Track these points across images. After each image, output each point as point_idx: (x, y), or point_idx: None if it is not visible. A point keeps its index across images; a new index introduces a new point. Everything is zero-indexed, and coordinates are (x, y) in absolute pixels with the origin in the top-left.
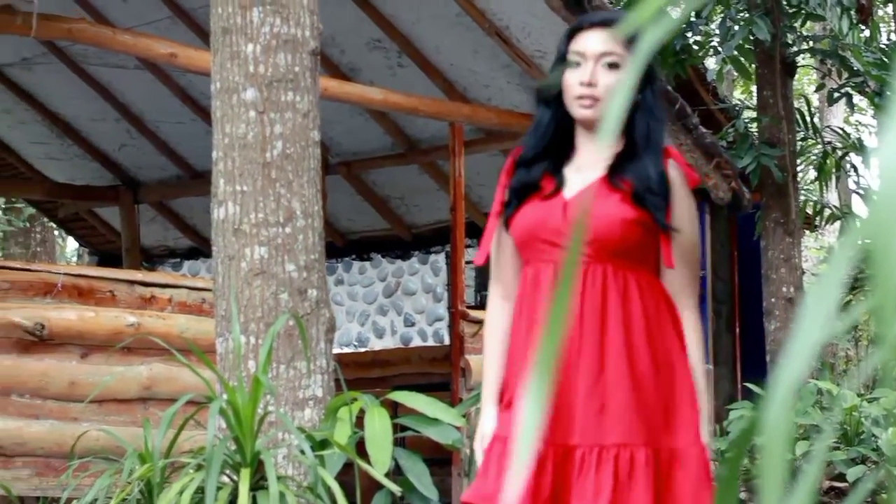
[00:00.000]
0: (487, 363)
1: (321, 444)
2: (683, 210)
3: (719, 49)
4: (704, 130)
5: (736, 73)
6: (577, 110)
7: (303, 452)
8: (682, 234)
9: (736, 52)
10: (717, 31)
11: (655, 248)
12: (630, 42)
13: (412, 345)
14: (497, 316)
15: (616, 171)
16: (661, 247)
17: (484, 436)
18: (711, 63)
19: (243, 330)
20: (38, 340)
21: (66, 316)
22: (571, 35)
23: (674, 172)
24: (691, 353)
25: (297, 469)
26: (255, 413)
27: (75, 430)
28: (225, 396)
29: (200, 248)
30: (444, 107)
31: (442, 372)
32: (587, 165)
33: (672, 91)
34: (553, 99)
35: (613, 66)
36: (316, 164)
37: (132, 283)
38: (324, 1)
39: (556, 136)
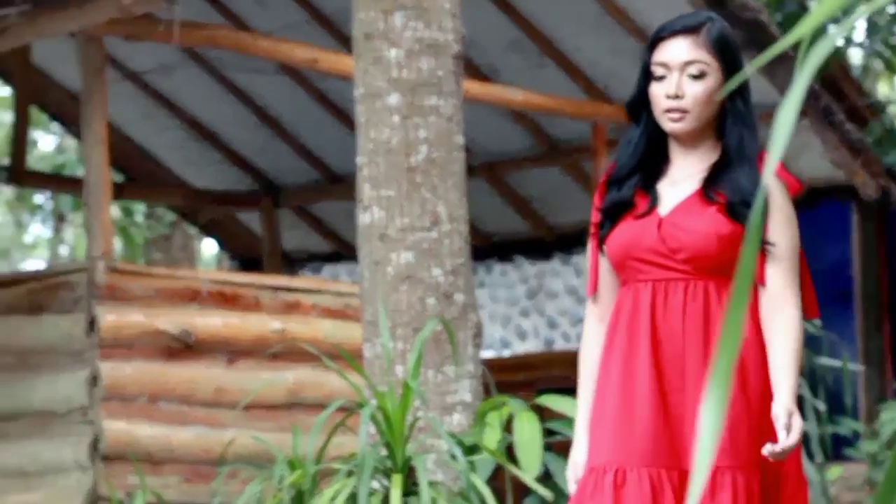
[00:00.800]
0: (581, 389)
1: (471, 449)
2: (781, 218)
3: (864, 43)
4: (850, 126)
5: (881, 68)
6: (667, 124)
7: (454, 457)
8: (783, 241)
9: (882, 46)
10: (862, 26)
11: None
12: (715, 46)
13: (555, 347)
14: (592, 340)
15: (711, 184)
16: (758, 262)
17: (576, 464)
18: (856, 58)
19: (391, 335)
20: (184, 347)
21: (211, 322)
22: (654, 45)
23: (771, 181)
24: (787, 346)
25: (447, 474)
26: (406, 418)
27: (222, 436)
28: (374, 402)
29: (341, 252)
30: (586, 107)
31: None
32: (682, 179)
33: (817, 87)
34: (643, 113)
35: (700, 74)
36: (460, 168)
37: (276, 288)
38: (464, 3)
39: (649, 151)
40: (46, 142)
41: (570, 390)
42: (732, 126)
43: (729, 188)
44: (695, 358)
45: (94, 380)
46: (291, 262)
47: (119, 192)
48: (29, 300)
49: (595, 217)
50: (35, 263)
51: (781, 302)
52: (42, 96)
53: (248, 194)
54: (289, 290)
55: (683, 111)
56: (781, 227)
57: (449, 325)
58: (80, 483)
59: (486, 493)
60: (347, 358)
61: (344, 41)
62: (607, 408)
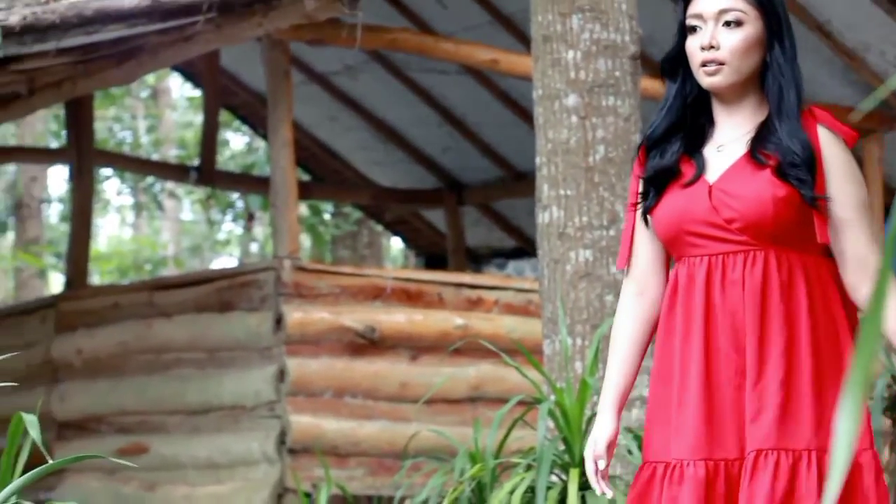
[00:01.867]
0: (610, 364)
1: None
2: (842, 173)
3: None
4: None
5: None
6: (703, 79)
7: (630, 452)
8: (848, 197)
9: None
10: None
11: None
12: None
13: None
14: (627, 313)
15: (758, 145)
16: (816, 222)
17: (595, 441)
18: None
19: (569, 332)
20: (369, 343)
21: (395, 319)
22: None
23: (825, 135)
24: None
25: (624, 468)
26: (583, 414)
27: (406, 430)
28: (553, 397)
29: (524, 248)
30: None
31: None
32: (728, 142)
33: None
34: (680, 72)
35: (736, 23)
36: None
37: (459, 285)
38: (642, 1)
39: (688, 114)
40: (238, 141)
41: None
42: (772, 79)
43: (777, 148)
44: (753, 336)
45: (281, 375)
46: (476, 259)
47: (306, 192)
48: (218, 298)
49: (635, 186)
50: (226, 260)
51: (870, 265)
52: (230, 98)
53: (433, 192)
54: (471, 286)
55: (720, 63)
56: (843, 184)
57: None
58: (267, 475)
59: None
60: (526, 354)
61: (526, 41)
62: (663, 397)
